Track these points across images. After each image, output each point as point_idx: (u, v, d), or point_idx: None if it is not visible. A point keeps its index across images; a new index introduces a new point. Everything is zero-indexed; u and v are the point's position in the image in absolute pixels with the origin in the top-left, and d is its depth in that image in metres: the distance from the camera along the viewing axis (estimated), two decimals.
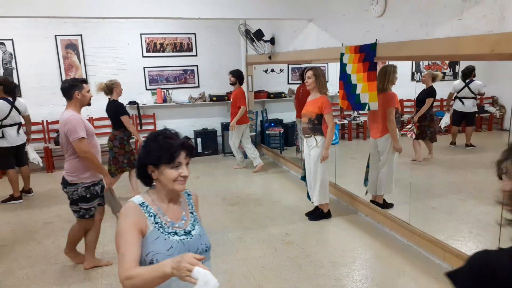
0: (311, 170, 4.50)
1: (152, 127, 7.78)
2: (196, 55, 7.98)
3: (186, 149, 1.63)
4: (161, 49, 7.75)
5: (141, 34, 7.55)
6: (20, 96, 6.39)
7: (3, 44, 6.85)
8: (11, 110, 5.34)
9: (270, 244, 4.06)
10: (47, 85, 7.09)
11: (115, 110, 5.08)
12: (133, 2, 4.58)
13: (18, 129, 5.46)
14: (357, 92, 4.28)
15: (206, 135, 7.96)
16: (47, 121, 7.15)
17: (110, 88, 5.05)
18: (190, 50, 7.93)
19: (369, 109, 4.23)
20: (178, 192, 1.67)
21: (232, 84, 6.69)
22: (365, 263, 3.68)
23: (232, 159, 7.38)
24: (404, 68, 6.60)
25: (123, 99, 7.43)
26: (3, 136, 5.31)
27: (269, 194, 5.70)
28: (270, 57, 6.89)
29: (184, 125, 7.95)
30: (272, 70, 8.20)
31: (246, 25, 6.94)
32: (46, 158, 7.03)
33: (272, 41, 6.78)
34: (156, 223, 1.59)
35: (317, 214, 4.62)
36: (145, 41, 7.61)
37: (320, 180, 4.44)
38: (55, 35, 7.05)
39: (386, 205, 4.63)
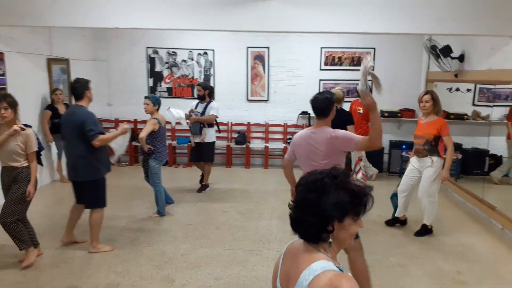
0: (423, 188, 4.59)
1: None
2: (373, 70, 7.87)
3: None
4: (339, 62, 7.93)
5: (321, 48, 7.87)
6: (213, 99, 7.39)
7: (206, 53, 8.07)
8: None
9: (438, 280, 3.76)
10: (235, 91, 8.04)
11: (343, 118, 5.35)
12: (319, 18, 4.81)
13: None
14: None
15: (373, 151, 7.77)
16: (231, 122, 8.10)
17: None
18: None
19: None
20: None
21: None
22: None
23: (397, 179, 7.02)
24: None
25: (296, 109, 7.95)
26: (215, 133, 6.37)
27: (440, 224, 5.24)
28: (456, 75, 6.33)
29: None
30: (457, 89, 7.50)
31: (432, 40, 6.54)
32: (227, 155, 7.98)
33: (461, 58, 6.23)
34: None
35: (424, 231, 4.78)
36: (324, 54, 7.90)
37: (434, 200, 4.63)
38: (247, 47, 7.94)
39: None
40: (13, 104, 3.65)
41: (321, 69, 7.95)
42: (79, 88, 4.01)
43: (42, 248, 4.11)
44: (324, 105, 3.05)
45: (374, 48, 7.82)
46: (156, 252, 4.22)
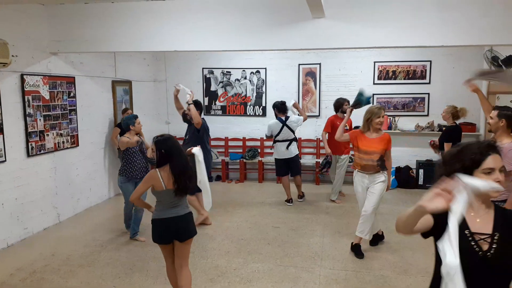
0: (375, 204, 4.47)
1: None
2: (429, 83, 7.65)
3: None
4: (393, 76, 7.77)
5: (374, 62, 7.77)
6: (264, 116, 7.56)
7: (258, 72, 8.27)
8: (282, 128, 6.38)
9: None
10: None
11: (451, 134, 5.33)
12: (370, 33, 4.77)
13: (289, 145, 6.44)
14: None
15: (430, 167, 7.47)
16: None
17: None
18: (423, 77, 7.66)
19: None
20: None
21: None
22: None
23: None
24: None
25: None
26: (276, 150, 6.55)
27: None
28: None
29: (407, 154, 7.72)
30: None
31: (493, 51, 6.22)
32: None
33: None
34: None
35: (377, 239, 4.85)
36: (378, 68, 7.79)
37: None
38: (299, 64, 8.03)
39: None
40: None
41: (374, 83, 7.83)
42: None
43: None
44: None
45: (430, 61, 7.58)
46: (209, 266, 4.35)
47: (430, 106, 7.68)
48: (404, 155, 7.70)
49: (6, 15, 4.79)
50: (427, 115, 7.72)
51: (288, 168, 6.59)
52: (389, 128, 7.73)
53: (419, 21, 4.63)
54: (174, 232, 3.28)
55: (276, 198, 6.91)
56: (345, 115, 6.15)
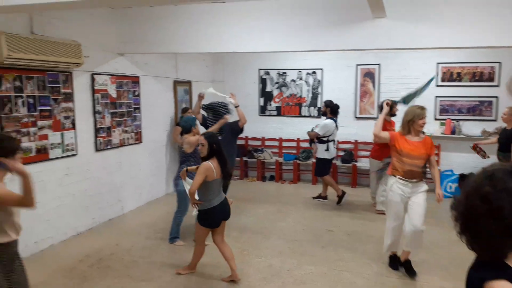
0: (421, 217, 3.93)
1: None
2: (497, 86, 7.18)
3: None
4: (457, 78, 7.38)
5: (437, 63, 7.43)
6: (319, 117, 7.52)
7: (314, 72, 8.22)
8: (335, 128, 6.55)
9: None
10: (342, 108, 7.88)
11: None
12: (434, 33, 4.57)
13: (334, 144, 6.74)
14: None
15: None
16: (337, 140, 8.04)
17: None
18: (491, 80, 7.20)
19: None
20: None
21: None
22: None
23: None
24: None
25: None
26: (327, 149, 6.59)
27: None
28: None
29: (471, 161, 7.28)
30: None
31: None
32: (332, 173, 7.91)
33: None
34: None
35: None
36: (441, 70, 7.44)
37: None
38: (357, 65, 7.88)
39: None
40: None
41: (437, 86, 7.48)
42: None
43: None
44: None
45: (499, 63, 7.11)
46: (263, 265, 4.40)
47: (499, 111, 7.20)
48: (468, 161, 7.29)
49: (79, 18, 5.14)
50: (495, 119, 7.25)
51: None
52: (453, 132, 7.36)
53: (487, 19, 4.36)
54: (225, 213, 3.93)
55: (330, 201, 6.83)
56: (392, 118, 5.95)
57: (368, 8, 4.34)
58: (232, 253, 4.02)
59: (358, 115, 8.01)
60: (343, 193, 6.63)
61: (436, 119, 7.55)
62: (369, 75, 7.86)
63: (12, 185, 2.66)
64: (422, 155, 3.97)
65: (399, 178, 3.99)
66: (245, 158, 8.45)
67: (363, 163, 7.89)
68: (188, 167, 4.22)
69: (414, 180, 3.96)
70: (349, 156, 7.89)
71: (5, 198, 2.38)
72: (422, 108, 4.01)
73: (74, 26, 5.05)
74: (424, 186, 4.03)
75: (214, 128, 5.35)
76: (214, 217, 3.86)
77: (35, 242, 4.61)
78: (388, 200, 4.14)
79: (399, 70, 7.64)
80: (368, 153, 7.96)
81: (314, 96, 8.25)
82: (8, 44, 3.98)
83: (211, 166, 3.74)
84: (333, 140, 6.68)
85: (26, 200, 2.38)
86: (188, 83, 7.77)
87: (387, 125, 5.56)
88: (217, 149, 3.81)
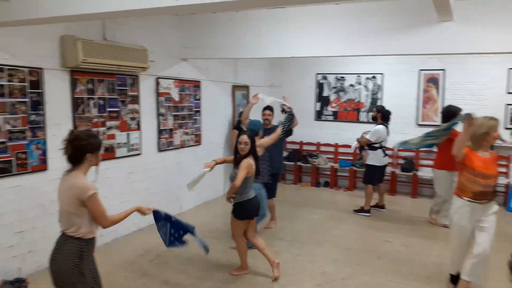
0: (490, 241, 3.60)
1: (504, 169, 7.02)
2: None
3: None
4: None
5: (509, 68, 6.94)
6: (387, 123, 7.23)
7: (374, 77, 8.01)
8: (386, 134, 6.33)
9: None
10: (403, 115, 7.68)
11: None
12: (506, 37, 4.29)
13: (384, 151, 6.43)
14: None
15: None
16: (397, 148, 7.76)
17: None
18: None
19: None
20: None
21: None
22: None
23: None
24: None
25: None
26: (385, 155, 6.40)
27: None
28: None
29: None
30: None
31: None
32: (391, 182, 7.65)
33: None
34: None
35: None
36: None
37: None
38: (419, 70, 7.56)
39: None
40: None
41: (508, 93, 6.99)
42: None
43: None
44: None
45: None
46: (317, 271, 4.36)
47: None
48: None
49: (146, 24, 5.43)
50: None
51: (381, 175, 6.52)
52: None
53: None
54: (257, 208, 4.16)
55: (388, 210, 6.60)
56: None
57: (433, 11, 4.17)
58: (265, 244, 4.24)
59: (421, 122, 7.68)
60: (369, 210, 6.36)
61: (506, 128, 7.04)
62: (432, 81, 7.51)
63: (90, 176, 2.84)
64: (495, 173, 3.63)
65: (468, 200, 3.61)
66: (299, 163, 8.42)
67: (425, 173, 7.54)
68: (218, 159, 4.46)
69: (486, 201, 3.60)
70: (410, 164, 7.58)
71: (98, 206, 2.62)
72: (495, 120, 3.61)
73: (142, 32, 5.34)
74: (495, 207, 3.67)
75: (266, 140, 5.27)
76: (250, 208, 4.10)
77: (100, 235, 4.89)
78: (453, 223, 3.78)
79: (466, 76, 7.23)
80: (431, 162, 7.56)
81: (373, 102, 8.03)
82: (83, 49, 4.30)
83: (251, 163, 4.02)
84: (383, 147, 6.41)
85: (106, 221, 2.66)
86: (246, 87, 7.90)
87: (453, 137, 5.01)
88: (254, 147, 4.11)
